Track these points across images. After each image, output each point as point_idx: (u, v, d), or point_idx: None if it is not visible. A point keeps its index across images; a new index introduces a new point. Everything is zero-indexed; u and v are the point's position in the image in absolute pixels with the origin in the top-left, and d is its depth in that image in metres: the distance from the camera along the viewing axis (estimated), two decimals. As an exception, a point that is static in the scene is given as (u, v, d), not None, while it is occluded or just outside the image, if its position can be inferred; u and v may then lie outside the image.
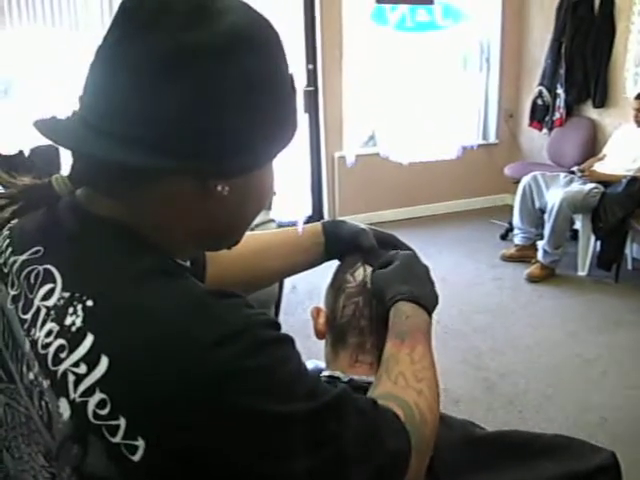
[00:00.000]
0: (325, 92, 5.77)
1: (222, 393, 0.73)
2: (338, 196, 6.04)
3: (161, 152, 0.78)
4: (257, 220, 3.42)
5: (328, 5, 5.53)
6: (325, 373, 1.21)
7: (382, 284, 1.16)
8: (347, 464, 0.82)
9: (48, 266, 0.84)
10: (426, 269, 1.21)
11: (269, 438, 0.76)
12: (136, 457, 0.74)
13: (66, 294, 0.80)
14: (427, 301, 1.13)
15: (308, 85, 5.78)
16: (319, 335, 1.26)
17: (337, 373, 1.19)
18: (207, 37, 0.78)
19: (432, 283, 1.19)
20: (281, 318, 3.46)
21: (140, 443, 0.73)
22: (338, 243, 1.32)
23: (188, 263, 0.93)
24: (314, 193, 6.16)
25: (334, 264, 1.35)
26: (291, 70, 0.88)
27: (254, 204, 0.93)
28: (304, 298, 4.36)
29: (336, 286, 1.28)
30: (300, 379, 0.82)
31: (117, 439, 0.74)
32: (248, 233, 1.03)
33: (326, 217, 6.04)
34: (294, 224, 1.33)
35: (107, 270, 0.80)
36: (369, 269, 1.25)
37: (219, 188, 0.84)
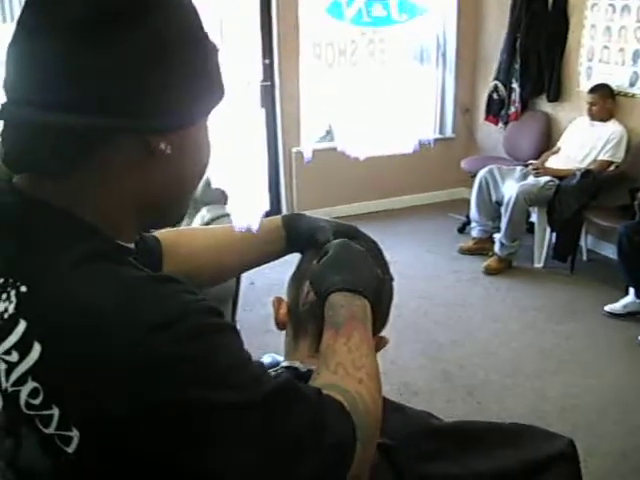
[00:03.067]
0: (282, 87, 5.73)
1: (159, 381, 0.71)
2: (296, 191, 6.02)
3: (86, 112, 0.76)
4: (212, 214, 3.38)
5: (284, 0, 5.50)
6: (283, 364, 1.19)
7: (316, 279, 1.14)
8: (295, 452, 0.81)
9: None
10: (361, 252, 1.17)
11: (212, 428, 0.74)
12: (70, 449, 0.72)
13: (0, 280, 0.78)
14: (362, 285, 1.10)
15: (264, 80, 5.74)
16: (279, 325, 1.24)
17: (296, 363, 1.16)
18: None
19: (368, 265, 1.16)
20: (239, 314, 3.43)
21: (74, 434, 0.72)
22: (298, 237, 1.30)
23: (132, 245, 0.91)
24: (272, 188, 6.12)
25: (294, 259, 1.33)
26: (207, 31, 0.88)
27: (195, 164, 0.92)
28: (262, 294, 4.33)
29: (300, 274, 1.26)
30: (243, 367, 0.80)
31: (51, 430, 0.72)
32: (205, 227, 1.01)
33: (284, 212, 6.01)
34: (250, 228, 1.31)
35: (43, 256, 0.78)
36: None
37: (162, 146, 0.82)
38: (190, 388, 0.72)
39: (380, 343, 1.19)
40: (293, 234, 1.31)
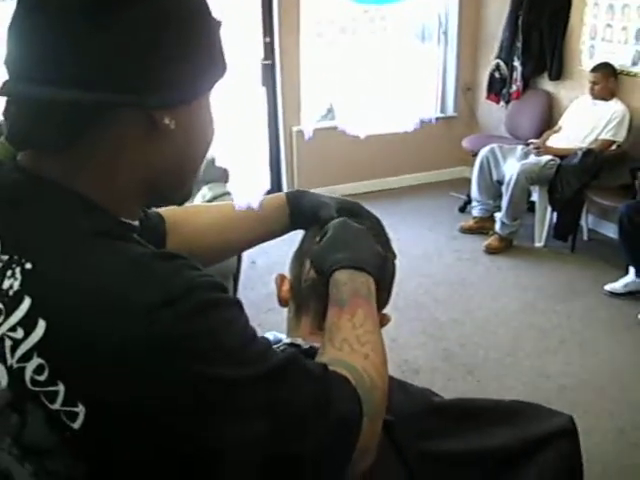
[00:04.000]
0: (282, 65, 5.70)
1: (163, 357, 0.72)
2: (296, 170, 6.01)
3: (90, 88, 0.76)
4: (214, 193, 3.38)
5: (285, -24, 5.46)
6: (285, 341, 1.20)
7: (317, 259, 1.14)
8: (299, 427, 0.81)
9: None
10: (361, 230, 1.17)
11: (215, 405, 0.75)
12: (76, 424, 0.73)
13: (5, 257, 0.79)
14: (364, 262, 1.10)
15: (265, 58, 5.70)
16: (282, 302, 1.25)
17: (298, 340, 1.17)
18: None
19: (369, 242, 1.16)
20: (241, 293, 3.44)
21: (80, 409, 0.72)
22: (301, 215, 1.30)
23: (137, 223, 0.91)
24: (272, 167, 6.11)
25: (295, 237, 1.33)
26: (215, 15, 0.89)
27: (199, 142, 0.92)
28: (264, 273, 4.34)
29: (302, 251, 1.27)
30: (248, 342, 0.81)
31: (56, 406, 0.73)
32: (208, 205, 1.01)
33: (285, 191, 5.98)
34: (250, 207, 1.31)
35: (47, 233, 0.78)
36: None
37: (166, 121, 0.83)
38: (193, 364, 0.73)
39: (382, 320, 1.19)
40: (297, 211, 1.31)
